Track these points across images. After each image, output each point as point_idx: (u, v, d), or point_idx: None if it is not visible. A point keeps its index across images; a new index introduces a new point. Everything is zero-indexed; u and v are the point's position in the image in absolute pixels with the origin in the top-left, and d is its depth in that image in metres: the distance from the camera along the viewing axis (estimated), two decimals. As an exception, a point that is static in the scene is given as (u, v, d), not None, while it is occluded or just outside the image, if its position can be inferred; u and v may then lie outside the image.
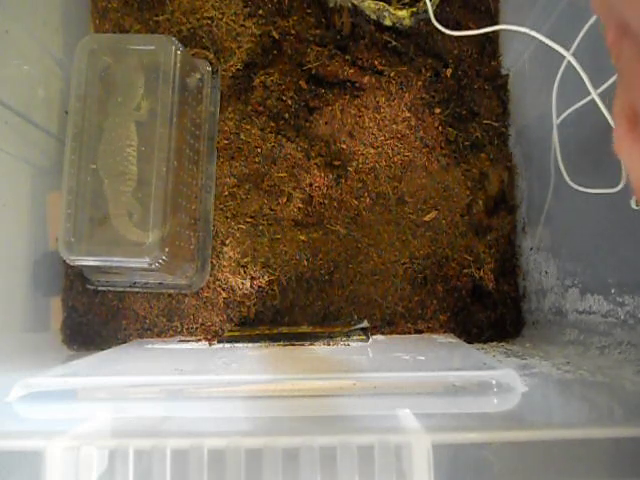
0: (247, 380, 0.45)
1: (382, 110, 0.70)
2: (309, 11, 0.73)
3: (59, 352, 0.66)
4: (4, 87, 0.57)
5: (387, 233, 0.69)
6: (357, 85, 0.71)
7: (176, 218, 0.60)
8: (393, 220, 0.69)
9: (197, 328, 0.67)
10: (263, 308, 0.67)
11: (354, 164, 0.70)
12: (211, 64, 0.69)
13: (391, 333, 0.67)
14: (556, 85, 0.56)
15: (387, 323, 0.67)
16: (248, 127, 0.69)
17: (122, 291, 0.67)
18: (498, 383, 0.42)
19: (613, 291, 0.49)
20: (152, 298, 0.67)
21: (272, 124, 0.69)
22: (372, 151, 0.70)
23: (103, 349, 0.63)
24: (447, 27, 0.65)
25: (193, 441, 0.30)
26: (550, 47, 0.54)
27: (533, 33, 0.57)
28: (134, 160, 0.58)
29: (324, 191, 0.69)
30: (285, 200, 0.68)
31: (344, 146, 0.70)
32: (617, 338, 0.48)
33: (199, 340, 0.66)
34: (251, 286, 0.66)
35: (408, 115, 0.70)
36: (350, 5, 0.71)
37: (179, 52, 0.59)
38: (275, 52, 0.72)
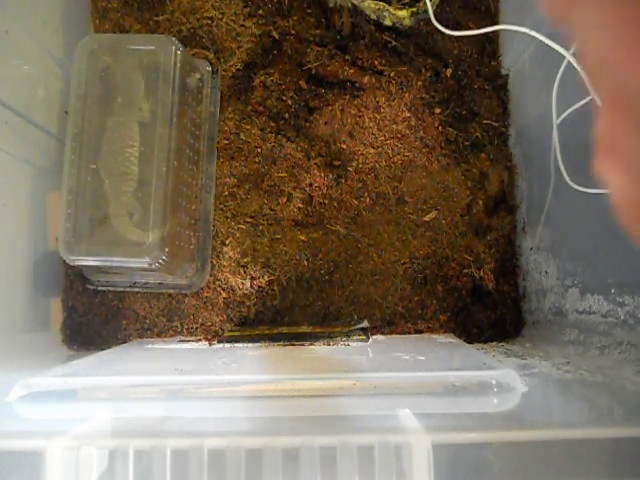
0: (247, 380, 0.45)
1: (382, 110, 0.70)
2: (309, 11, 0.73)
3: (59, 352, 0.66)
4: (4, 87, 0.57)
5: (387, 233, 0.69)
6: (357, 85, 0.71)
7: (176, 218, 0.60)
8: (393, 220, 0.69)
9: (197, 328, 0.67)
10: (263, 308, 0.67)
11: (354, 164, 0.70)
12: (211, 64, 0.69)
13: (391, 333, 0.67)
14: (556, 85, 0.56)
15: (387, 323, 0.67)
16: (248, 127, 0.69)
17: (122, 291, 0.67)
18: (498, 383, 0.42)
19: (613, 291, 0.49)
20: (152, 298, 0.67)
21: (272, 124, 0.69)
22: (372, 151, 0.70)
23: (103, 349, 0.63)
24: (447, 27, 0.65)
25: (193, 441, 0.30)
26: (550, 47, 0.54)
27: (533, 33, 0.57)
28: (136, 160, 0.58)
29: (324, 191, 0.69)
30: (285, 200, 0.68)
31: (344, 146, 0.70)
32: (617, 338, 0.48)
33: (199, 340, 0.66)
34: (251, 286, 0.66)
35: (408, 115, 0.70)
36: (350, 5, 0.71)
37: (179, 52, 0.59)
38: (275, 52, 0.72)
